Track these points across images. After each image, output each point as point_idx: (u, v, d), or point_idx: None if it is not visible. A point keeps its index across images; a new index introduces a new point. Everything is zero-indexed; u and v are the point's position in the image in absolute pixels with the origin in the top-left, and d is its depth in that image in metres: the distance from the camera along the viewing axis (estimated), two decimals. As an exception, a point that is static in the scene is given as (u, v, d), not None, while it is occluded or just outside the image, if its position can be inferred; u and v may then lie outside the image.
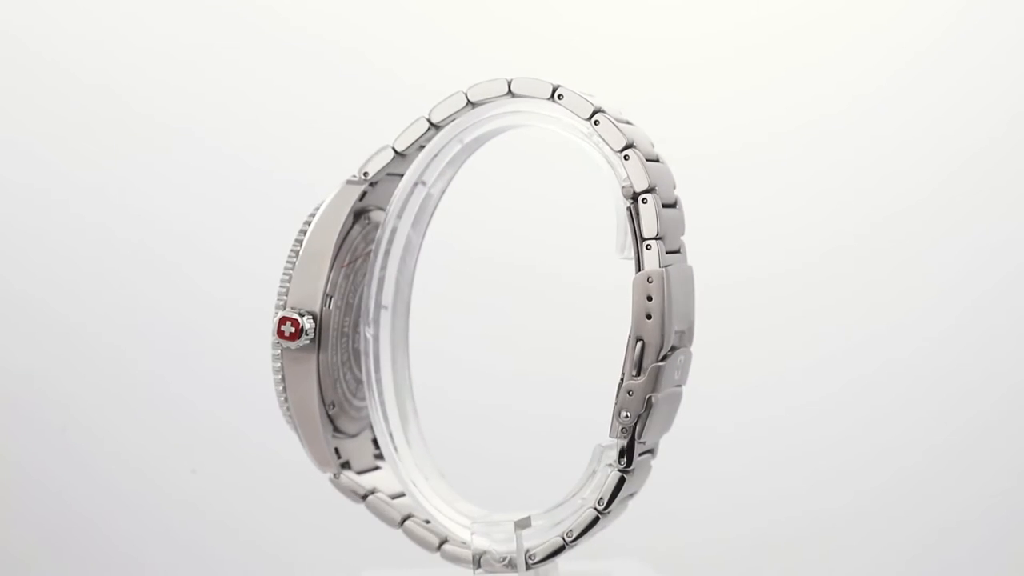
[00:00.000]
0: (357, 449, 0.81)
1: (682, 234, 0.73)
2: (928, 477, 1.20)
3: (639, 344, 0.69)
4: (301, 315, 0.74)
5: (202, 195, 1.23)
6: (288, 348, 0.74)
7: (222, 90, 1.23)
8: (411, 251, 0.81)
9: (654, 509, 1.14)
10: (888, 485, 1.20)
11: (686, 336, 0.72)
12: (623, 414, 0.69)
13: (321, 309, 0.75)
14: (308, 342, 0.74)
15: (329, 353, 0.76)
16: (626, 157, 0.70)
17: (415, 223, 0.80)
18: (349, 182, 0.76)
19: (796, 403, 1.21)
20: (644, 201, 0.69)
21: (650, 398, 0.69)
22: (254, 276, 1.11)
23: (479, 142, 0.77)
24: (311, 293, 0.75)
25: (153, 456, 1.23)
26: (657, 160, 0.73)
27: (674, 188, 0.73)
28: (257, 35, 1.24)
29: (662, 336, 0.69)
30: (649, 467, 0.74)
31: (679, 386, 0.73)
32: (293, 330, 0.73)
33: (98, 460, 1.23)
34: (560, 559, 0.77)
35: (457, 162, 0.78)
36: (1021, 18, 1.20)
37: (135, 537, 1.23)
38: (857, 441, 1.21)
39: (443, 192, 0.81)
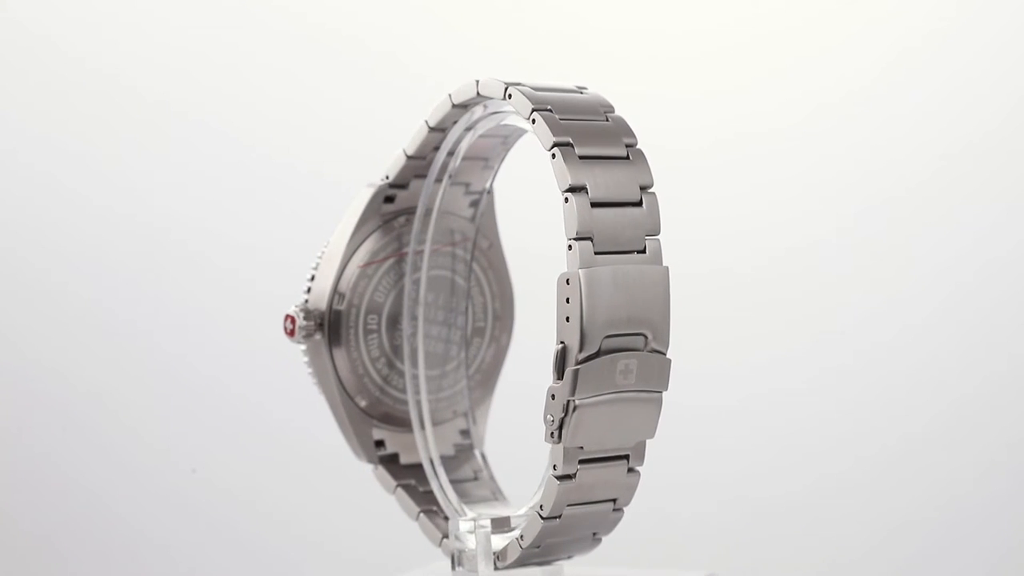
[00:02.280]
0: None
1: (651, 233, 0.69)
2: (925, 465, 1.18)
3: (560, 347, 0.67)
4: (305, 312, 0.78)
5: (219, 201, 1.30)
6: (308, 343, 0.79)
7: (257, 87, 1.30)
8: (465, 247, 0.82)
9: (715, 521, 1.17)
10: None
11: (651, 340, 0.69)
12: (548, 417, 0.68)
13: (329, 307, 0.79)
14: (307, 337, 0.78)
15: (347, 349, 0.79)
16: (552, 156, 0.68)
17: (471, 219, 0.82)
18: (368, 185, 0.80)
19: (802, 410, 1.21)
20: (566, 200, 0.67)
21: (569, 402, 0.67)
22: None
23: (495, 137, 0.78)
24: (321, 293, 0.79)
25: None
26: (625, 158, 0.70)
27: (643, 186, 0.70)
28: (289, 35, 1.29)
29: (581, 340, 0.66)
30: (626, 473, 0.71)
31: (648, 391, 0.69)
32: (291, 327, 0.78)
33: (101, 455, 1.30)
34: (577, 565, 0.76)
35: (484, 157, 0.80)
36: (1010, 16, 1.16)
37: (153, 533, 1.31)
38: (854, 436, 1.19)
39: (488, 189, 0.82)
